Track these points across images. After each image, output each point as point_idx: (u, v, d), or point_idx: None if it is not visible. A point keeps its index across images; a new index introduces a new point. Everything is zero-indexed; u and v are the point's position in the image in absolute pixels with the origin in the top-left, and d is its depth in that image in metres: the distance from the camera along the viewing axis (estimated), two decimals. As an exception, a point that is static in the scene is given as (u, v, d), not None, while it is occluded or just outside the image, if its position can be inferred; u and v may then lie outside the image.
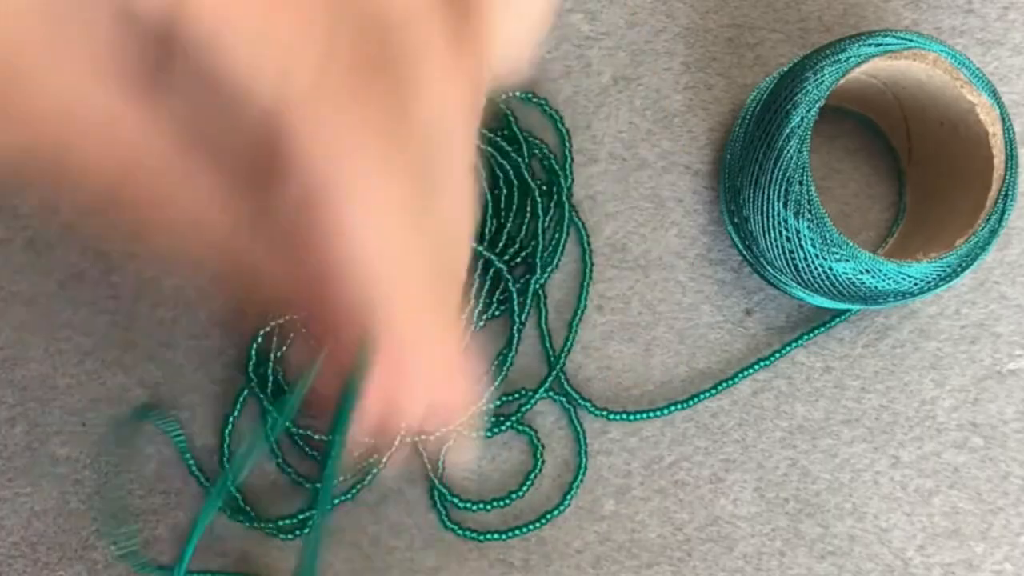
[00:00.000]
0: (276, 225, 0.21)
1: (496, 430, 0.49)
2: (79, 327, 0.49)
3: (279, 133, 0.19)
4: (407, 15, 0.20)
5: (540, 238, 0.49)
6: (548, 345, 0.50)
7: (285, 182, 0.20)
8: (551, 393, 0.49)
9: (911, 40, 0.43)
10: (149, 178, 0.21)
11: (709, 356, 0.50)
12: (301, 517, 0.48)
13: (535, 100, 0.50)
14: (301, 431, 0.49)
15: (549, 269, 0.50)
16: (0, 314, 0.49)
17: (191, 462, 0.49)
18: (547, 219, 0.50)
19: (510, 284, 0.49)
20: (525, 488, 0.49)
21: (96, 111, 0.20)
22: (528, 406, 0.49)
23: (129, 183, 0.21)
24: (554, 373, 0.49)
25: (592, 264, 0.50)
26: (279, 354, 0.49)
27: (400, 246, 0.22)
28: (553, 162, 0.50)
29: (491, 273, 0.49)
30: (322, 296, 0.23)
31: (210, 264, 0.22)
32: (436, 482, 0.49)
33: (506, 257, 0.49)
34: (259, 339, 0.48)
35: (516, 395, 0.49)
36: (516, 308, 0.49)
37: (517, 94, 0.50)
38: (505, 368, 0.49)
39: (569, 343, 0.50)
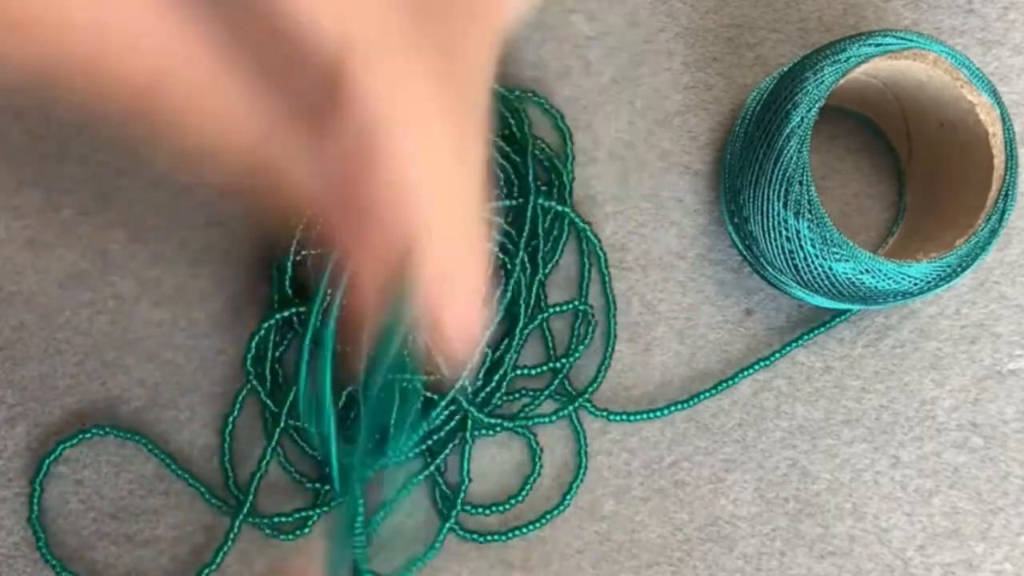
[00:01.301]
0: (316, 133, 0.24)
1: (498, 429, 0.49)
2: (79, 327, 0.49)
3: (336, 66, 0.22)
4: None
5: (540, 238, 0.49)
6: (550, 346, 0.50)
7: (339, 109, 0.23)
8: (552, 393, 0.49)
9: (911, 40, 0.43)
10: (180, 85, 0.22)
11: (709, 356, 0.50)
12: (321, 496, 0.48)
13: (536, 99, 0.50)
14: (299, 426, 0.49)
15: (549, 268, 0.50)
16: (0, 314, 0.49)
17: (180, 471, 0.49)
18: (547, 219, 0.50)
19: (512, 283, 0.49)
20: (524, 492, 0.49)
21: (127, 21, 0.21)
22: (534, 405, 0.49)
23: (159, 89, 0.22)
24: (559, 378, 0.49)
25: (592, 264, 0.50)
26: (278, 353, 0.49)
27: (448, 173, 0.25)
28: (556, 161, 0.50)
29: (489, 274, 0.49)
30: (356, 204, 0.25)
31: (238, 168, 0.24)
32: (439, 482, 0.49)
33: (505, 258, 0.49)
34: (291, 259, 0.47)
35: (517, 395, 0.49)
36: (522, 307, 0.49)
37: (517, 93, 0.50)
38: (508, 372, 0.49)
39: (571, 344, 0.50)
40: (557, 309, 0.50)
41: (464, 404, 0.48)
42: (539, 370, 0.49)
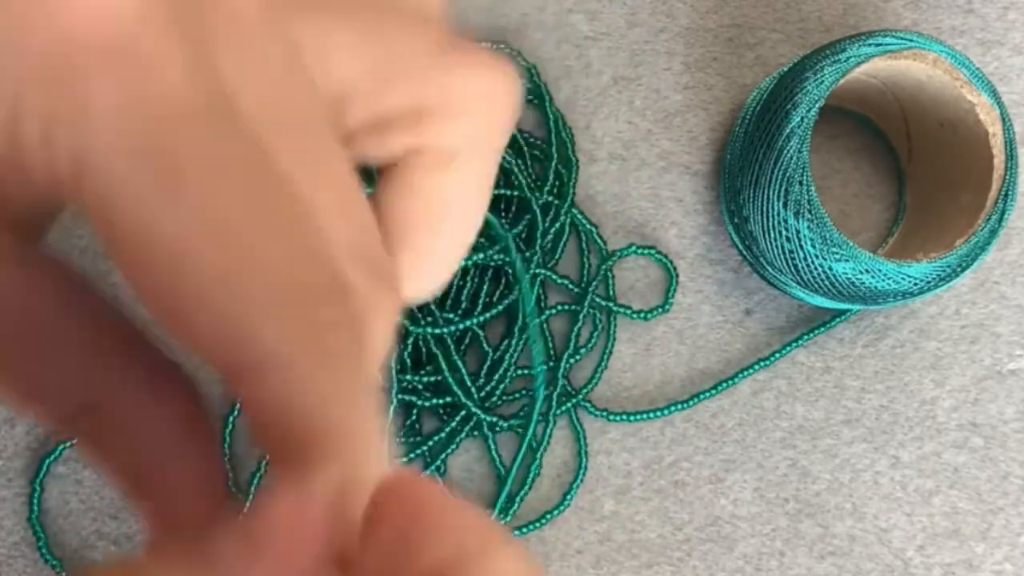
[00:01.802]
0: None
1: (498, 428, 0.49)
2: (79, 327, 0.49)
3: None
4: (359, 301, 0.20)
5: (540, 239, 0.49)
6: (550, 346, 0.50)
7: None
8: (552, 393, 0.49)
9: (911, 40, 0.43)
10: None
11: (709, 356, 0.50)
12: None
13: (534, 100, 0.50)
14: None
15: (549, 268, 0.50)
16: (0, 314, 0.49)
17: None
18: (547, 219, 0.50)
19: (514, 284, 0.49)
20: (524, 492, 0.49)
21: None
22: (536, 409, 0.49)
23: None
24: (559, 385, 0.49)
25: (592, 264, 0.50)
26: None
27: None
28: (556, 162, 0.50)
29: (490, 274, 0.49)
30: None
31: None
32: (439, 482, 0.49)
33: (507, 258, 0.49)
34: None
35: (517, 395, 0.49)
36: (521, 308, 0.49)
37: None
38: (509, 371, 0.49)
39: (571, 345, 0.50)
40: (557, 309, 0.50)
41: (468, 403, 0.48)
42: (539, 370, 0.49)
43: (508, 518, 0.49)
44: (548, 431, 0.49)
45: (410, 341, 0.48)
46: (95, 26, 0.17)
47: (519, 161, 0.49)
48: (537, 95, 0.50)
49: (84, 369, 0.21)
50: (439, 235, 0.23)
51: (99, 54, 0.17)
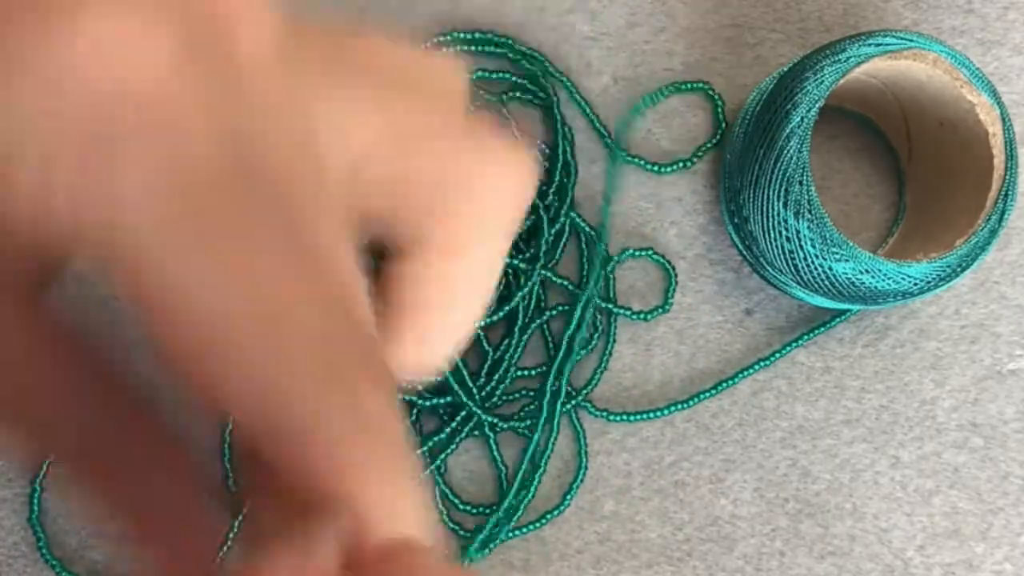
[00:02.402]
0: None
1: (499, 428, 0.49)
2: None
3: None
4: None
5: (541, 239, 0.49)
6: (550, 346, 0.50)
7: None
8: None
9: (911, 40, 0.43)
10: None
11: (709, 356, 0.50)
12: None
13: (537, 100, 0.50)
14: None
15: (549, 268, 0.50)
16: (0, 314, 0.49)
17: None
18: (547, 219, 0.50)
19: (514, 284, 0.49)
20: (529, 494, 0.49)
21: None
22: (534, 405, 0.49)
23: None
24: (562, 383, 0.49)
25: (592, 265, 0.50)
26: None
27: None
28: (556, 163, 0.50)
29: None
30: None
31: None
32: (439, 481, 0.49)
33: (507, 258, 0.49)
34: None
35: (517, 395, 0.49)
36: (521, 308, 0.49)
37: (516, 94, 0.50)
38: (509, 371, 0.49)
39: (568, 342, 0.50)
40: (558, 310, 0.50)
41: (469, 404, 0.48)
42: (539, 370, 0.49)
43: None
44: (553, 432, 0.49)
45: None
46: (126, 92, 0.17)
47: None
48: (540, 95, 0.50)
49: (88, 426, 0.21)
50: (447, 315, 0.23)
51: (130, 120, 0.17)
